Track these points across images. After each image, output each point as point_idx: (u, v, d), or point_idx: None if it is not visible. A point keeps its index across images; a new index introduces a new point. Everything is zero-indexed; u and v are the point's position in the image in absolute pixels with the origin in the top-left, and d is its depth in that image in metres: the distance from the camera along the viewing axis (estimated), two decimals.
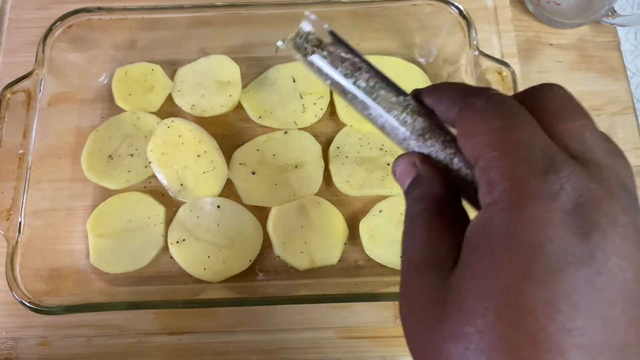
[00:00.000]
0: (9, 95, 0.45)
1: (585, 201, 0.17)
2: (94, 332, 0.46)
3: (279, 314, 0.47)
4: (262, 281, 0.47)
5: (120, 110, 0.52)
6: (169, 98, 0.53)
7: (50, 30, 0.47)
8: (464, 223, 0.21)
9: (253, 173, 0.49)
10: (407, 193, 0.23)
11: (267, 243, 0.48)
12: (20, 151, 0.44)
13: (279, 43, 0.26)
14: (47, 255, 0.45)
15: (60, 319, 0.46)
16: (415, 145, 0.24)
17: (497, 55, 0.53)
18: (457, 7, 0.46)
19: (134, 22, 0.49)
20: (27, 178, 0.44)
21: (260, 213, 0.49)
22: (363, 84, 0.24)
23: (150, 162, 0.49)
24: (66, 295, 0.43)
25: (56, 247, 0.47)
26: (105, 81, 0.53)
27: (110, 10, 0.47)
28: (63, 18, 0.47)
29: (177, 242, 0.47)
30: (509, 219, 0.17)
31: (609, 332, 0.16)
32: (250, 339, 0.46)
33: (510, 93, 0.44)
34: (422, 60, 0.54)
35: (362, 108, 0.24)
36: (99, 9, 0.47)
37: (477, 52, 0.45)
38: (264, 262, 0.48)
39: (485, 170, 0.19)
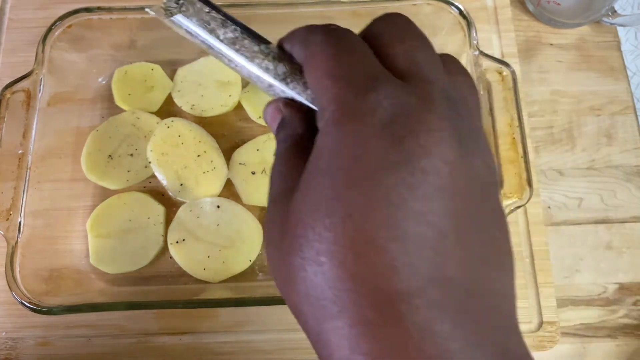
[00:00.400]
0: (8, 95, 0.44)
1: (402, 112, 0.18)
2: (94, 332, 0.46)
3: (279, 314, 0.47)
4: (262, 281, 0.47)
5: (120, 110, 0.52)
6: (169, 98, 0.53)
7: (50, 30, 0.47)
8: None
9: (253, 173, 0.49)
10: (276, 136, 0.24)
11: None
12: (20, 151, 0.44)
13: (147, 9, 0.26)
14: (47, 255, 0.45)
15: (60, 319, 0.46)
16: (279, 90, 0.25)
17: (497, 55, 0.53)
18: (457, 7, 0.46)
19: (134, 22, 0.49)
20: (27, 178, 0.44)
21: (260, 213, 0.49)
22: (228, 35, 0.25)
23: (150, 162, 0.49)
24: (66, 295, 0.43)
25: (56, 247, 0.47)
26: (105, 81, 0.53)
27: (110, 10, 0.47)
28: (63, 18, 0.47)
29: (177, 242, 0.47)
30: (332, 138, 0.19)
31: (423, 224, 0.17)
32: (250, 339, 0.46)
33: (511, 93, 0.44)
34: None
35: (228, 61, 0.25)
36: (99, 8, 0.47)
37: (477, 52, 0.45)
38: (264, 262, 0.48)
39: (318, 99, 0.20)
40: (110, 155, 0.50)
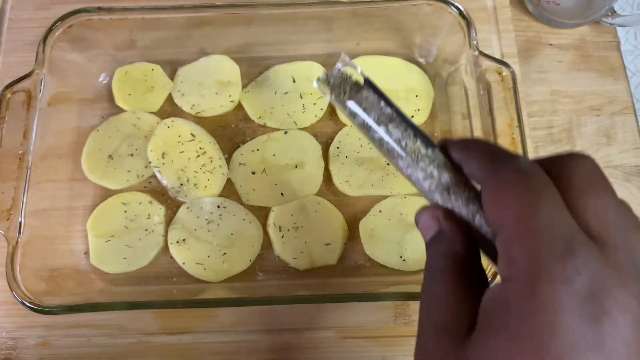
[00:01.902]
0: (9, 95, 0.45)
1: (599, 288, 0.18)
2: (94, 332, 0.46)
3: (279, 314, 0.47)
4: (262, 281, 0.47)
5: (120, 110, 0.52)
6: (169, 98, 0.53)
7: (50, 30, 0.47)
8: (482, 285, 0.21)
9: (253, 173, 0.49)
10: (429, 246, 0.24)
11: (267, 243, 0.48)
12: (20, 151, 0.44)
13: (315, 84, 0.27)
14: (47, 255, 0.45)
15: (60, 319, 0.46)
16: (439, 198, 0.24)
17: (497, 55, 0.53)
18: (457, 7, 0.46)
19: (134, 22, 0.49)
20: (27, 178, 0.44)
21: (260, 213, 0.49)
22: (396, 135, 0.25)
23: (150, 162, 0.49)
24: (66, 295, 0.43)
25: (56, 247, 0.47)
26: (106, 81, 0.53)
27: (110, 10, 0.47)
28: (63, 18, 0.47)
29: (177, 242, 0.47)
30: (526, 299, 0.18)
31: None
32: (250, 339, 0.46)
33: (511, 94, 0.44)
34: (422, 60, 0.54)
35: (390, 157, 0.25)
36: (99, 9, 0.47)
37: (477, 52, 0.45)
38: (264, 262, 0.48)
39: (507, 244, 0.20)
40: (110, 155, 0.50)
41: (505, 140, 0.43)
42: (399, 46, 0.53)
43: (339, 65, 0.27)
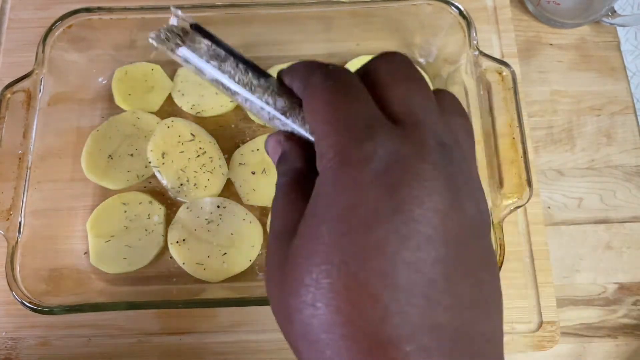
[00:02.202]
0: (9, 95, 0.44)
1: (396, 162, 0.19)
2: (94, 332, 0.46)
3: None
4: (262, 281, 0.47)
5: (120, 110, 0.52)
6: (169, 98, 0.53)
7: (50, 30, 0.47)
8: None
9: (253, 173, 0.49)
10: (277, 168, 0.25)
11: (267, 243, 0.48)
12: (20, 151, 0.44)
13: (150, 39, 0.28)
14: (47, 255, 0.45)
15: (60, 319, 0.46)
16: (279, 123, 0.25)
17: (497, 55, 0.53)
18: (457, 7, 0.46)
19: (134, 22, 0.49)
20: (27, 178, 0.44)
21: (260, 213, 0.49)
22: (228, 70, 0.26)
23: (150, 162, 0.49)
24: (66, 295, 0.43)
25: (56, 247, 0.47)
26: (105, 81, 0.53)
27: (110, 10, 0.47)
28: (63, 18, 0.47)
29: (177, 242, 0.47)
30: (329, 185, 0.20)
31: (414, 272, 0.18)
32: (250, 339, 0.46)
33: (511, 94, 0.44)
34: (422, 60, 0.54)
35: (230, 94, 0.26)
36: (99, 9, 0.47)
37: (477, 52, 0.45)
38: (264, 262, 0.48)
39: (317, 143, 0.21)
40: (110, 156, 0.50)
41: (506, 140, 0.43)
42: (399, 46, 0.53)
43: (172, 19, 0.28)
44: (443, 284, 0.18)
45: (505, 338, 0.45)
